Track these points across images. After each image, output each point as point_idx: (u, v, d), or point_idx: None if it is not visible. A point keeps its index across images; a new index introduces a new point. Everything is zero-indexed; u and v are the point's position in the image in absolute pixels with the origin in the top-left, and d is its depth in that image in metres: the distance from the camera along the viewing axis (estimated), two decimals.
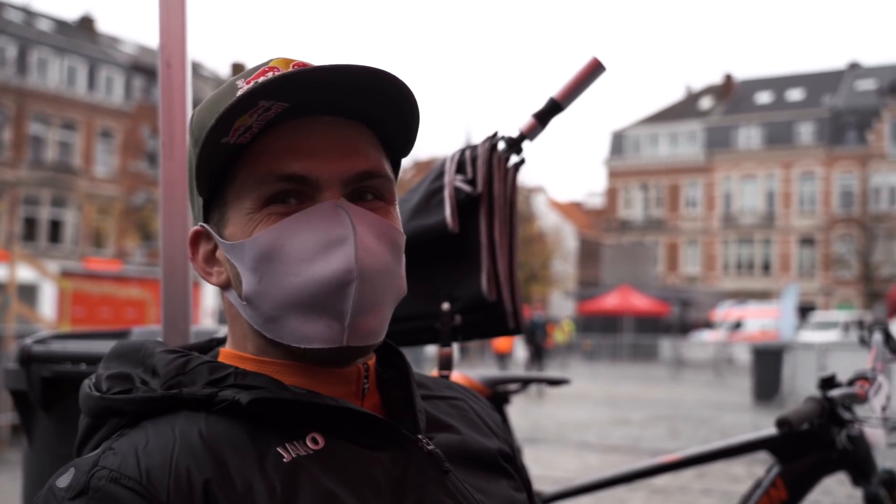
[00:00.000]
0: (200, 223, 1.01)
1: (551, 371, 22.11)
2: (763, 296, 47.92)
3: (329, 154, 0.94)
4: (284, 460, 0.89)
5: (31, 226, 39.10)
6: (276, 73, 0.95)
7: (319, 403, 0.93)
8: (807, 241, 52.30)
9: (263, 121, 0.91)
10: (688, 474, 7.95)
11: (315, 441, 0.93)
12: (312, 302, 0.92)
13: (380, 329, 0.96)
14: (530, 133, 1.78)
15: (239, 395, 0.91)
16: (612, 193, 58.69)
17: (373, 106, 0.96)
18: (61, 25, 43.53)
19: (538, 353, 21.41)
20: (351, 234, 0.92)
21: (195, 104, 1.85)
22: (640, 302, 35.75)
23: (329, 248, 0.92)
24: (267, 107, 0.90)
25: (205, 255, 1.02)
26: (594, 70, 1.74)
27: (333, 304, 0.91)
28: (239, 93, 0.95)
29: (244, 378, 0.94)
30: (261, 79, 0.95)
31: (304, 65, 0.97)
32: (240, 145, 0.93)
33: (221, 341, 1.10)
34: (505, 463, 1.11)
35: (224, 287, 1.00)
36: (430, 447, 0.99)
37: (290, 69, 0.96)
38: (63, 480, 0.87)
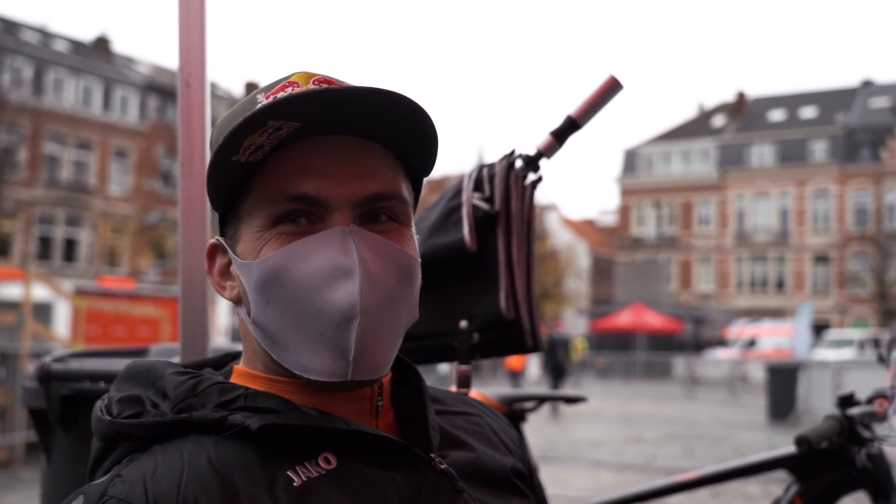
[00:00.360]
0: (217, 237, 1.01)
1: (565, 389, 21.97)
2: (777, 314, 47.65)
3: (341, 175, 0.93)
4: (295, 484, 0.88)
5: (45, 245, 39.31)
6: (293, 90, 0.95)
7: (328, 427, 0.92)
8: (821, 258, 52.05)
9: (275, 140, 0.91)
10: (703, 494, 7.89)
11: (328, 461, 0.92)
12: (316, 334, 0.91)
13: (386, 361, 0.95)
14: (547, 151, 1.79)
15: (249, 419, 0.90)
16: (624, 211, 58.62)
17: (389, 126, 0.95)
18: (77, 46, 43.92)
19: (559, 370, 20.09)
20: (357, 266, 0.90)
21: (213, 123, 1.87)
22: (654, 320, 35.60)
23: (334, 279, 0.90)
24: (277, 126, 0.89)
25: (220, 269, 1.02)
26: (612, 88, 1.74)
27: (337, 339, 0.90)
28: (258, 108, 0.95)
29: (255, 399, 0.93)
30: (280, 94, 0.95)
31: (325, 80, 0.97)
32: (252, 163, 0.93)
33: (237, 356, 1.09)
34: (519, 481, 1.09)
35: (236, 302, 1.00)
36: (442, 466, 0.98)
37: (308, 86, 0.96)
38: None
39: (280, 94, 0.95)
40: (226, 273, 1.01)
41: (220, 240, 1.00)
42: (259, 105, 0.95)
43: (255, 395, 0.94)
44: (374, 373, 0.93)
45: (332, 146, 0.94)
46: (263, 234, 0.93)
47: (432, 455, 0.98)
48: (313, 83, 0.96)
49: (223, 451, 0.90)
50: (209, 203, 1.67)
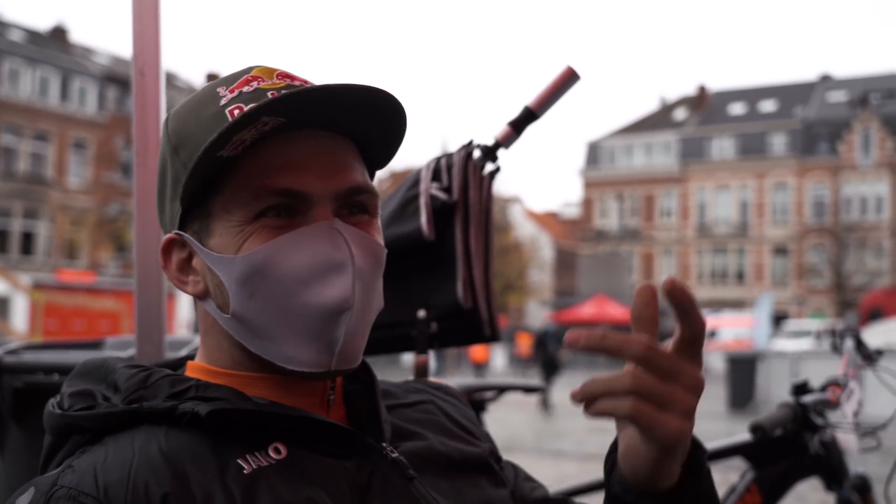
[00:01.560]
0: (176, 231, 0.99)
1: (528, 380, 21.99)
2: (737, 305, 48.26)
3: (321, 169, 0.94)
4: (245, 472, 0.88)
5: (2, 238, 38.70)
6: (262, 84, 0.95)
7: (281, 413, 0.93)
8: (780, 250, 52.80)
9: (258, 134, 0.90)
10: None
11: (277, 451, 0.92)
12: (305, 327, 0.92)
13: (362, 350, 0.98)
14: (505, 141, 1.79)
15: (198, 406, 0.90)
16: (587, 203, 58.97)
17: (362, 122, 0.96)
18: (33, 36, 43.19)
19: (551, 365, 18.80)
20: (349, 261, 0.93)
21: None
22: (616, 311, 35.91)
23: (327, 273, 0.92)
24: (266, 122, 0.89)
25: (178, 264, 1.00)
26: (569, 78, 1.75)
27: (326, 331, 0.92)
28: (223, 102, 0.95)
29: (205, 390, 0.94)
30: (245, 88, 0.95)
31: (286, 74, 0.98)
32: (230, 158, 0.92)
33: (190, 358, 1.08)
34: (481, 460, 1.09)
35: (200, 297, 0.99)
36: (394, 455, 0.98)
37: (273, 80, 0.96)
38: (23, 500, 0.86)
39: (247, 89, 0.95)
40: (186, 268, 1.00)
41: (182, 234, 0.98)
42: (225, 97, 0.95)
43: (206, 386, 0.94)
44: (353, 362, 0.96)
45: (309, 141, 0.94)
46: (245, 228, 0.93)
47: (384, 444, 0.99)
48: (277, 78, 0.97)
49: (174, 439, 0.90)
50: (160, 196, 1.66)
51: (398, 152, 1.05)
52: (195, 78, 50.10)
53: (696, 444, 0.90)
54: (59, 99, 41.46)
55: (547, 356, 18.75)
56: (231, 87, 0.96)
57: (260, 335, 0.94)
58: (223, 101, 0.95)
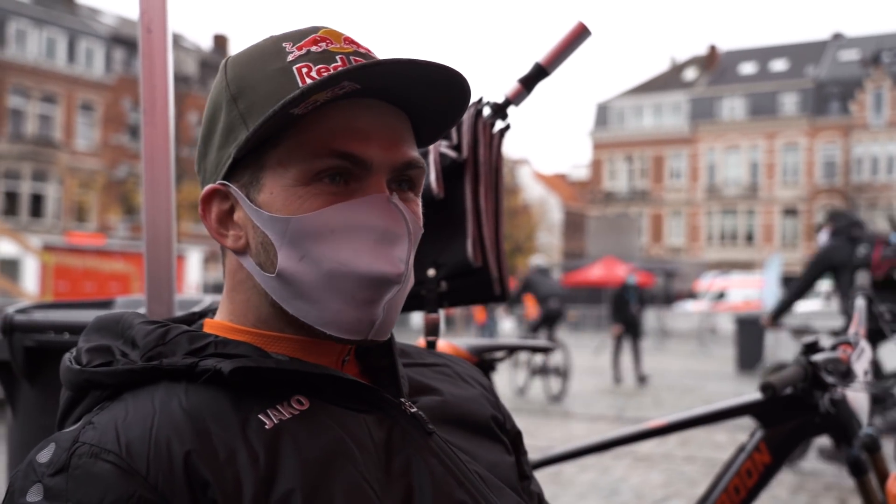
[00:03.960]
0: (221, 181, 0.98)
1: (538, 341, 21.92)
2: (746, 266, 48.20)
3: (381, 139, 0.95)
4: (266, 427, 0.89)
5: (11, 200, 38.78)
6: (331, 46, 0.96)
7: (302, 370, 0.93)
8: (790, 211, 52.59)
9: (331, 96, 0.90)
10: (671, 442, 8.03)
11: (300, 402, 0.93)
12: (351, 294, 0.93)
13: (394, 323, 1.00)
14: (516, 98, 1.77)
15: (221, 364, 0.91)
16: (596, 165, 58.72)
17: (424, 98, 0.97)
18: None
19: (633, 327, 14.93)
20: (406, 237, 0.95)
21: (176, 75, 1.83)
22: (625, 273, 35.84)
23: (382, 244, 0.93)
24: (343, 86, 0.89)
25: (219, 216, 0.99)
26: (580, 35, 1.73)
27: (372, 301, 0.94)
28: (291, 58, 0.95)
29: (225, 347, 0.94)
30: (313, 48, 0.95)
31: (353, 41, 0.99)
32: (297, 115, 0.91)
33: (203, 315, 1.09)
34: (494, 426, 1.11)
35: (239, 252, 0.98)
36: (412, 410, 0.99)
37: (344, 45, 0.97)
38: (44, 455, 0.86)
39: (315, 48, 0.95)
40: (226, 220, 0.99)
41: (227, 185, 0.97)
42: (297, 55, 0.95)
43: (224, 343, 0.95)
44: (386, 335, 0.98)
45: (373, 110, 0.95)
46: (299, 190, 0.93)
47: (402, 399, 1.00)
48: (344, 42, 0.98)
49: (194, 396, 0.90)
50: (173, 152, 1.65)
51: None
52: (202, 40, 49.72)
53: None
54: (67, 60, 41.29)
55: (628, 317, 14.93)
56: (298, 45, 0.96)
57: (302, 297, 0.94)
58: (290, 58, 0.95)
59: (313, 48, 0.96)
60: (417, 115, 1.01)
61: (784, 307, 7.93)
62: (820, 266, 7.77)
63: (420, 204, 1.02)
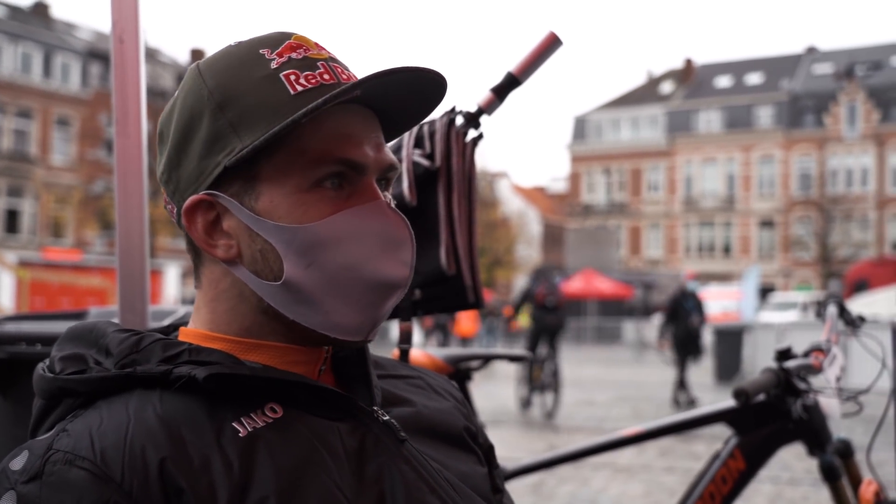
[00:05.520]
0: (208, 191, 0.96)
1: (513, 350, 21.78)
2: (724, 278, 48.48)
3: (371, 143, 0.96)
4: (240, 435, 0.89)
5: None
6: (309, 53, 0.97)
7: (275, 378, 0.93)
8: (766, 223, 53.01)
9: (330, 103, 0.91)
10: (650, 453, 8.05)
11: (274, 410, 0.93)
12: (357, 298, 0.94)
13: None
14: (488, 107, 1.79)
15: (195, 370, 0.90)
16: (575, 178, 58.97)
17: (401, 103, 0.99)
18: (14, 11, 42.69)
19: (691, 342, 12.71)
20: (409, 241, 0.97)
21: (150, 90, 1.83)
22: (604, 285, 36.01)
23: (388, 249, 0.95)
24: (345, 95, 0.91)
25: (205, 226, 0.97)
26: (551, 44, 1.74)
27: (377, 304, 0.96)
28: (275, 65, 0.95)
29: (198, 354, 0.94)
30: (293, 55, 0.96)
31: (320, 46, 1.00)
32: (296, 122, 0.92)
33: (177, 327, 1.08)
34: (467, 437, 1.11)
35: (230, 261, 0.97)
36: (385, 418, 0.99)
37: (318, 52, 0.98)
38: (17, 463, 0.86)
39: (295, 55, 0.96)
40: (214, 231, 0.97)
41: (215, 194, 0.96)
42: (280, 61, 0.95)
43: (198, 350, 0.94)
44: (377, 334, 1.00)
45: (358, 114, 0.97)
46: (303, 196, 0.93)
47: (374, 408, 1.00)
48: (317, 48, 0.99)
49: (168, 403, 0.90)
50: (146, 161, 1.65)
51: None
52: (179, 54, 49.60)
53: None
54: (42, 75, 41.06)
55: (685, 330, 12.62)
56: (278, 52, 0.96)
57: (307, 303, 0.94)
58: (274, 65, 0.95)
59: (293, 55, 0.96)
60: (391, 120, 1.02)
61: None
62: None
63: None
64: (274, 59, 0.95)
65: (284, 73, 0.94)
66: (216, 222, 0.97)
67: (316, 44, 1.00)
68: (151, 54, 41.77)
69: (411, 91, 0.98)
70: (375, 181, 0.98)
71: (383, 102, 0.99)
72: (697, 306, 12.86)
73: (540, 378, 11.61)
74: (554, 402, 11.29)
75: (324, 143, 0.93)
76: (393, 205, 0.99)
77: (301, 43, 0.98)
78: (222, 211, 0.96)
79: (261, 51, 0.97)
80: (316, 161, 0.93)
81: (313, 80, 0.94)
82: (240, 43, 1.00)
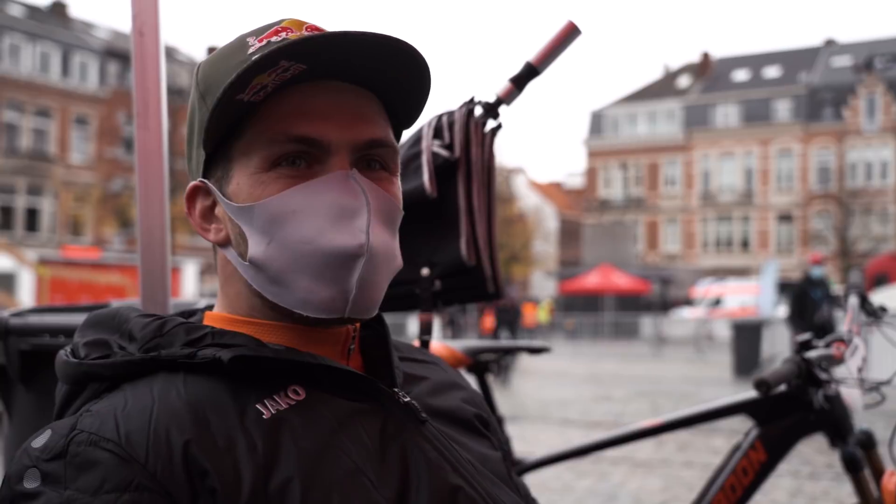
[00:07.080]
0: (200, 178, 1.00)
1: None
2: (742, 272, 48.21)
3: (340, 119, 0.95)
4: (264, 417, 0.90)
5: (6, 214, 38.70)
6: (291, 35, 0.96)
7: (296, 360, 0.94)
8: (785, 217, 52.65)
9: (279, 81, 0.91)
10: (669, 447, 8.03)
11: (297, 392, 0.94)
12: (320, 271, 0.93)
13: (378, 301, 0.99)
14: (507, 98, 1.78)
15: (220, 353, 0.91)
16: (591, 173, 58.78)
17: (385, 75, 0.97)
18: (33, 11, 42.94)
19: (821, 326, 10.63)
20: (365, 208, 0.94)
21: (170, 88, 1.84)
22: (621, 280, 35.89)
23: (342, 219, 0.93)
24: (286, 67, 0.90)
25: (202, 212, 1.01)
26: (570, 33, 1.74)
27: (340, 277, 0.93)
28: (251, 50, 0.96)
29: (222, 337, 0.95)
30: (273, 38, 0.96)
31: (316, 28, 0.99)
32: (252, 103, 0.93)
33: (203, 311, 1.09)
34: (479, 424, 1.12)
35: (221, 244, 1.00)
36: (406, 399, 1.00)
37: (305, 32, 0.97)
38: (39, 441, 0.86)
39: (275, 38, 0.96)
40: (209, 215, 1.01)
41: (205, 182, 1.00)
42: (254, 46, 0.96)
43: (221, 334, 0.96)
44: (368, 312, 0.97)
45: (331, 91, 0.96)
46: (261, 177, 0.94)
47: (396, 389, 1.01)
48: (306, 30, 0.97)
49: (192, 386, 0.91)
50: (167, 154, 1.65)
51: (422, 113, 1.06)
52: (197, 53, 49.78)
53: None
54: (61, 74, 41.27)
55: (817, 323, 10.80)
56: (260, 37, 0.97)
57: (276, 282, 0.95)
58: (251, 50, 0.96)
59: (273, 38, 0.96)
60: (388, 96, 1.01)
61: None
62: None
63: (398, 185, 1.03)
64: (253, 45, 0.97)
65: (256, 56, 0.93)
66: (212, 207, 1.00)
67: (310, 26, 0.99)
68: (169, 53, 41.86)
69: (383, 62, 0.95)
70: (360, 159, 0.97)
71: (366, 78, 0.97)
72: (827, 296, 10.93)
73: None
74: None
75: (280, 122, 0.94)
76: (370, 181, 0.96)
77: (288, 27, 0.98)
78: (215, 197, 0.99)
79: (247, 38, 0.98)
80: (272, 140, 0.94)
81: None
82: (239, 35, 1.02)
